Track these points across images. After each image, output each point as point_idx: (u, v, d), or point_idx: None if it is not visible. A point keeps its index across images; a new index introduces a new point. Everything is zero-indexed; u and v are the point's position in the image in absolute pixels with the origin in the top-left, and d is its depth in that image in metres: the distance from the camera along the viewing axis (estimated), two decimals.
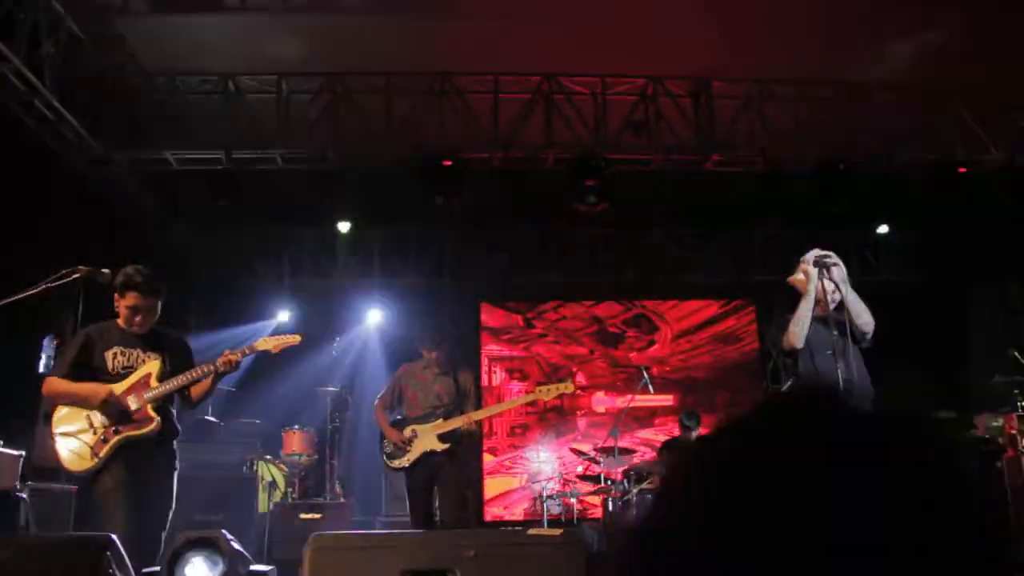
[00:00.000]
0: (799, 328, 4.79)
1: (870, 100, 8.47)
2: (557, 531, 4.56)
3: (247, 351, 4.96)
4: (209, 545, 4.21)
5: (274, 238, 10.21)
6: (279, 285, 10.13)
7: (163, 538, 4.49)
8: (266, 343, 5.14)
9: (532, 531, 4.64)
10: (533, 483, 10.04)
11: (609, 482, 8.29)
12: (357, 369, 9.35)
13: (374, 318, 9.88)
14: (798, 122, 8.42)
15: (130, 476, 4.48)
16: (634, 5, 7.21)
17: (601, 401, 11.09)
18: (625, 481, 8.13)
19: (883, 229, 10.44)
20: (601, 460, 8.52)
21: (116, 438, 4.54)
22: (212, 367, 4.73)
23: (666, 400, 11.07)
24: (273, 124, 8.01)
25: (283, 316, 10.02)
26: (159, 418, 4.63)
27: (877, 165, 8.60)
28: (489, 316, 11.09)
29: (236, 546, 4.24)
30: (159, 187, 8.90)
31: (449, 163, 8.02)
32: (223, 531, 4.26)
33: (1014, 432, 7.84)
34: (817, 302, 4.79)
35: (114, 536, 3.72)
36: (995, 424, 8.25)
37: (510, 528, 8.81)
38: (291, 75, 8.06)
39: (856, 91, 8.43)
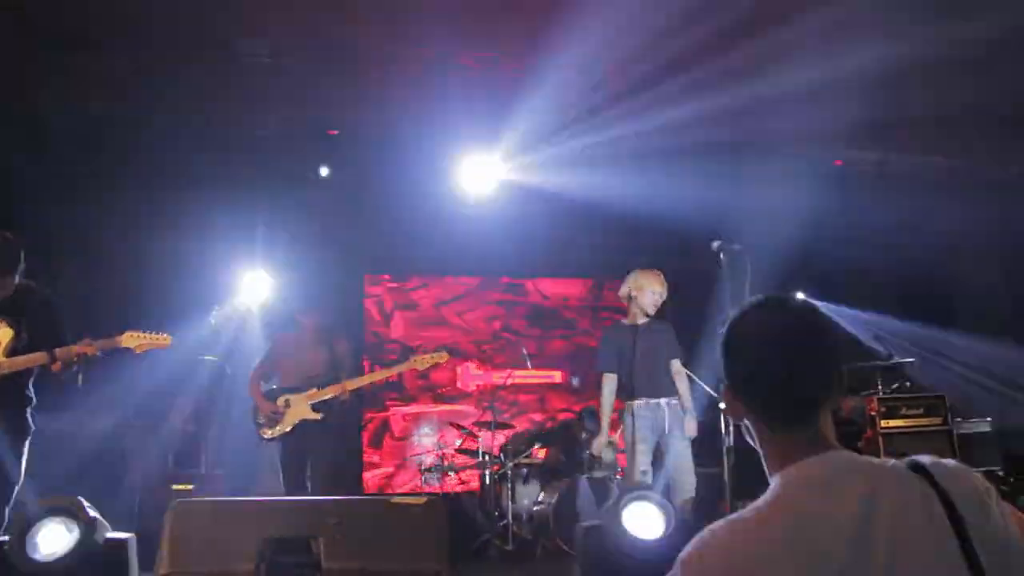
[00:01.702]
0: None
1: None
2: (420, 499, 4.61)
3: (105, 346, 4.76)
4: (64, 512, 4.12)
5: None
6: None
7: (6, 511, 4.31)
8: (132, 339, 4.94)
9: (395, 499, 4.68)
10: (412, 456, 10.06)
11: (487, 456, 8.40)
12: (236, 339, 9.17)
13: (254, 287, 9.70)
14: None
15: None
16: None
17: (476, 376, 11.15)
18: (502, 455, 8.26)
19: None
20: (480, 434, 8.62)
21: None
22: (49, 356, 4.49)
23: (548, 377, 11.22)
24: None
25: None
26: None
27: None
28: (373, 287, 11.03)
29: (93, 513, 4.15)
30: None
31: (333, 132, 7.96)
32: (79, 498, 4.16)
33: (874, 414, 8.24)
34: None
35: None
36: (858, 406, 8.68)
37: (373, 496, 8.84)
38: None
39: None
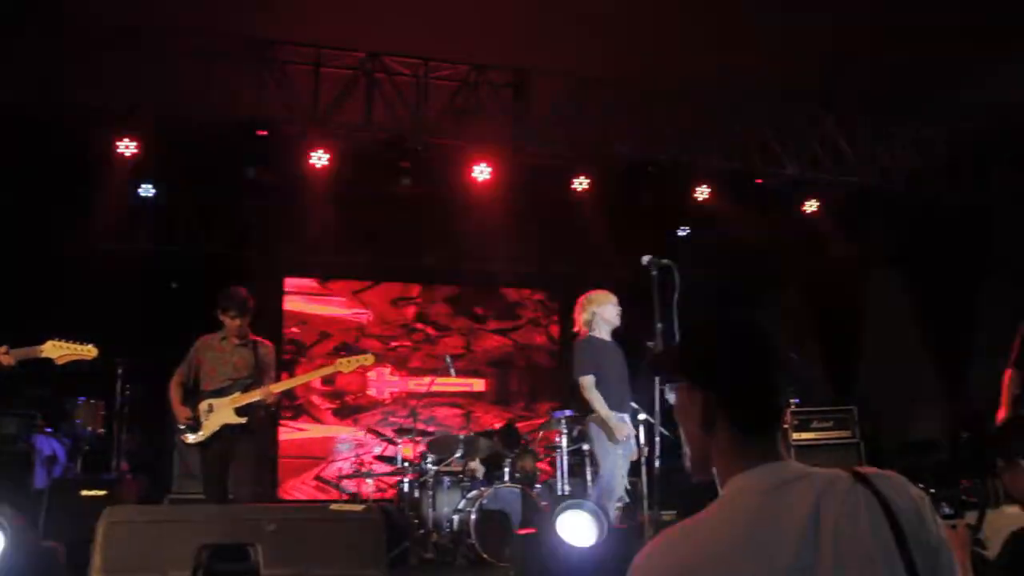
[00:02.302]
0: None
1: (681, 105, 8.90)
2: (359, 506, 4.58)
3: (24, 355, 4.57)
4: None
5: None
6: None
7: None
8: (54, 349, 4.77)
9: (334, 506, 4.64)
10: (330, 463, 9.95)
11: (406, 464, 8.36)
12: (156, 339, 8.90)
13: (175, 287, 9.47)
14: (611, 121, 8.75)
15: None
16: None
17: (398, 384, 11.10)
18: (423, 462, 8.23)
19: (682, 231, 10.98)
20: (399, 441, 8.57)
21: None
22: None
23: (467, 386, 11.23)
24: None
25: None
26: None
27: (680, 167, 9.05)
28: (294, 291, 10.88)
29: (18, 521, 3.99)
30: None
31: (264, 133, 7.82)
32: (5, 504, 4.00)
33: (786, 426, 8.48)
34: None
35: None
36: None
37: (312, 503, 8.72)
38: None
39: (667, 94, 8.83)
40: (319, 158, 8.22)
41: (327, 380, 10.34)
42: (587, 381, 6.19)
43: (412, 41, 8.05)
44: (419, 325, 11.44)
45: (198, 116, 7.88)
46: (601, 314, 6.37)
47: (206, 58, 7.67)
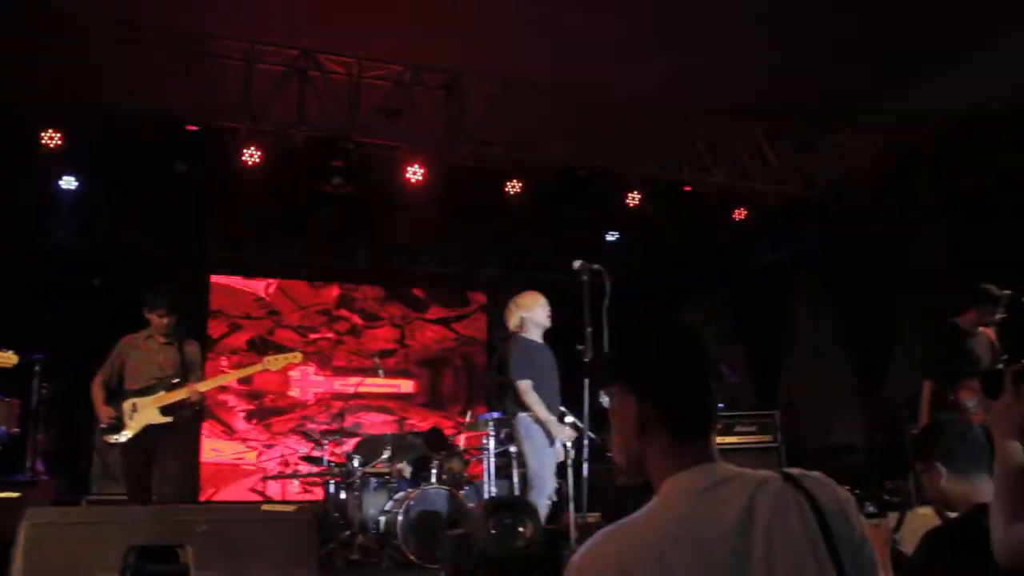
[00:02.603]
0: None
1: (614, 112, 9.01)
2: (292, 507, 4.54)
3: None
4: None
5: None
6: None
7: None
8: None
9: (266, 506, 4.58)
10: (255, 464, 9.80)
11: (333, 465, 8.29)
12: (75, 336, 8.67)
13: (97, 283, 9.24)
14: (545, 124, 8.80)
15: None
16: None
17: (323, 384, 11.00)
18: (349, 464, 8.17)
19: (611, 236, 11.10)
20: (326, 442, 8.50)
21: None
22: None
23: (395, 387, 11.18)
24: None
25: None
26: None
27: (613, 174, 9.15)
28: (220, 289, 10.70)
29: None
30: None
31: (194, 128, 7.69)
32: None
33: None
34: None
35: None
36: None
37: (243, 503, 8.58)
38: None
39: (602, 101, 8.93)
40: (251, 155, 8.09)
41: (244, 380, 10.13)
42: (525, 385, 6.18)
43: (347, 40, 7.99)
44: (343, 312, 11.30)
45: (126, 109, 7.69)
46: (530, 318, 6.40)
47: (136, 50, 7.51)
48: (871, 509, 2.97)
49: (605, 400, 1.87)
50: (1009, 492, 2.07)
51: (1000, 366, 6.21)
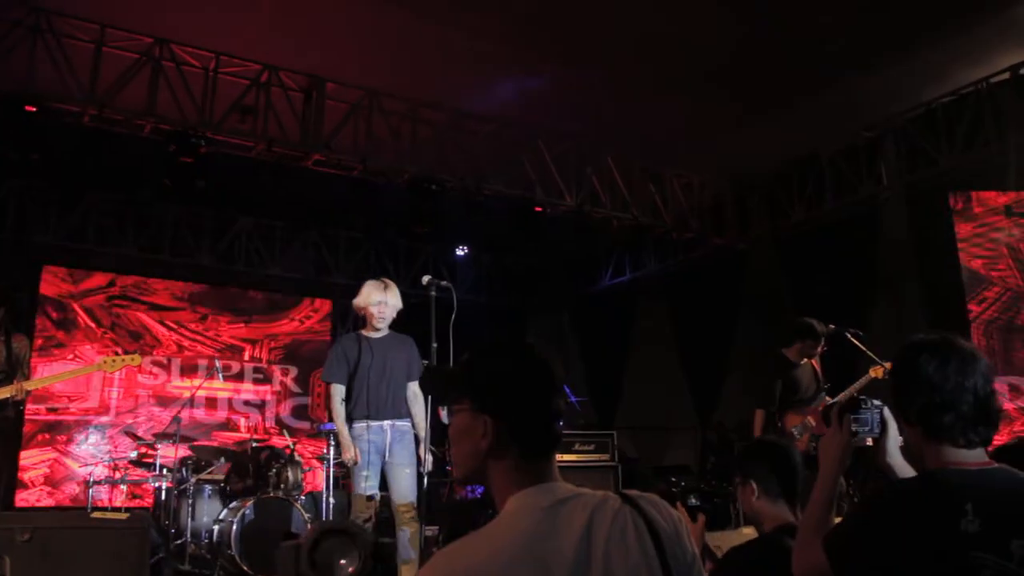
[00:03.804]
0: None
1: (469, 129, 9.11)
2: (123, 514, 4.35)
3: None
4: None
5: None
6: None
7: None
8: None
9: (96, 514, 4.38)
10: (80, 468, 9.32)
11: (165, 470, 7.99)
12: None
13: None
14: (400, 137, 8.80)
15: None
16: None
17: (153, 386, 10.61)
18: (183, 469, 7.89)
19: (460, 251, 11.19)
20: (159, 446, 8.18)
21: None
22: None
23: (235, 390, 10.89)
24: None
25: None
26: None
27: (465, 191, 9.23)
28: (51, 282, 10.15)
29: None
30: None
31: (33, 109, 7.27)
32: None
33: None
34: None
35: None
36: None
37: (71, 509, 8.11)
38: None
39: (458, 118, 9.03)
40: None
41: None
42: (329, 389, 5.83)
43: (203, 34, 7.78)
44: (184, 313, 10.92)
45: None
46: (366, 309, 5.86)
47: None
48: (693, 501, 3.15)
49: (447, 417, 1.88)
50: (814, 518, 2.24)
51: (826, 396, 6.68)
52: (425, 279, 5.59)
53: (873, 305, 8.51)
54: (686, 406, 10.35)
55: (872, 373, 6.73)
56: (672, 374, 10.52)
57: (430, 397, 5.01)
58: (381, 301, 5.76)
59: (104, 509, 7.45)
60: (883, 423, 2.32)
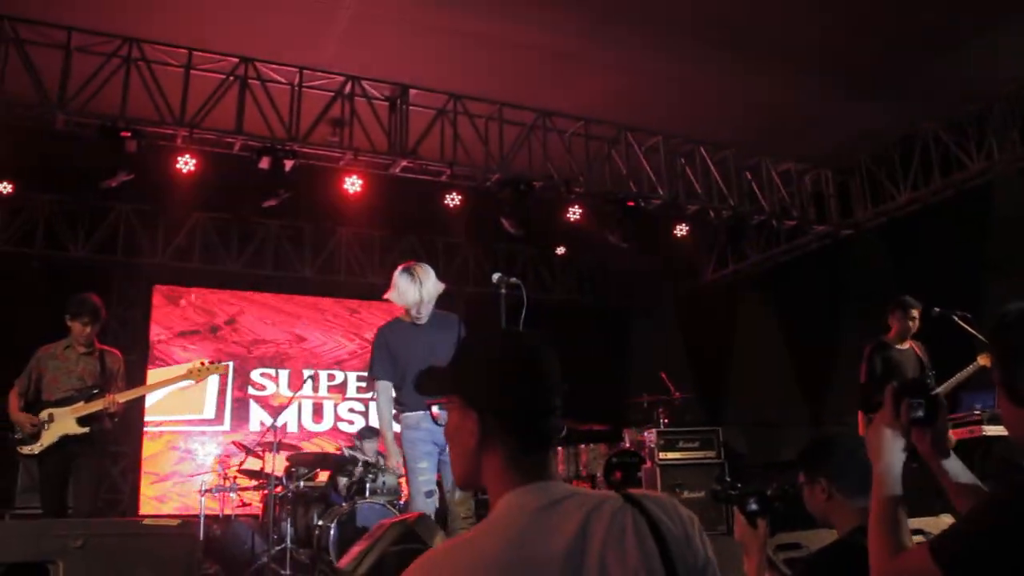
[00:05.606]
0: None
1: (557, 129, 9.02)
2: (174, 521, 4.45)
3: None
4: None
5: None
6: None
7: None
8: None
9: (148, 520, 4.49)
10: (193, 476, 9.67)
11: (270, 478, 8.18)
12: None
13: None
14: (487, 140, 8.79)
15: None
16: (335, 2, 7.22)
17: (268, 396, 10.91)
18: (286, 477, 8.07)
19: (560, 251, 11.08)
20: (265, 455, 8.39)
21: None
22: None
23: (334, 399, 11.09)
24: None
25: None
26: None
27: (557, 190, 9.13)
28: (162, 300, 10.59)
29: None
30: None
31: (128, 134, 7.59)
32: None
33: (652, 445, 8.58)
34: None
35: None
36: (638, 438, 9.06)
37: (130, 517, 8.43)
38: None
39: (545, 118, 8.95)
40: (186, 163, 8.02)
41: None
42: (376, 386, 5.67)
43: (289, 49, 7.96)
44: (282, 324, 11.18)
45: (63, 114, 7.59)
46: (395, 299, 5.51)
47: (70, 55, 7.45)
48: (753, 507, 2.85)
49: (440, 413, 1.81)
50: (883, 523, 1.97)
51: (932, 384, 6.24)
52: (495, 276, 5.41)
53: (987, 289, 7.93)
54: (797, 401, 9.92)
55: (981, 360, 6.28)
56: (782, 368, 10.12)
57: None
58: (418, 302, 5.44)
59: (161, 517, 7.67)
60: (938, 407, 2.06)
